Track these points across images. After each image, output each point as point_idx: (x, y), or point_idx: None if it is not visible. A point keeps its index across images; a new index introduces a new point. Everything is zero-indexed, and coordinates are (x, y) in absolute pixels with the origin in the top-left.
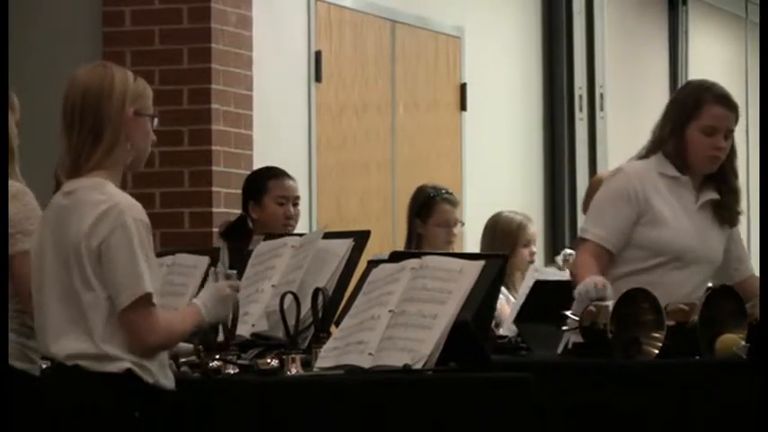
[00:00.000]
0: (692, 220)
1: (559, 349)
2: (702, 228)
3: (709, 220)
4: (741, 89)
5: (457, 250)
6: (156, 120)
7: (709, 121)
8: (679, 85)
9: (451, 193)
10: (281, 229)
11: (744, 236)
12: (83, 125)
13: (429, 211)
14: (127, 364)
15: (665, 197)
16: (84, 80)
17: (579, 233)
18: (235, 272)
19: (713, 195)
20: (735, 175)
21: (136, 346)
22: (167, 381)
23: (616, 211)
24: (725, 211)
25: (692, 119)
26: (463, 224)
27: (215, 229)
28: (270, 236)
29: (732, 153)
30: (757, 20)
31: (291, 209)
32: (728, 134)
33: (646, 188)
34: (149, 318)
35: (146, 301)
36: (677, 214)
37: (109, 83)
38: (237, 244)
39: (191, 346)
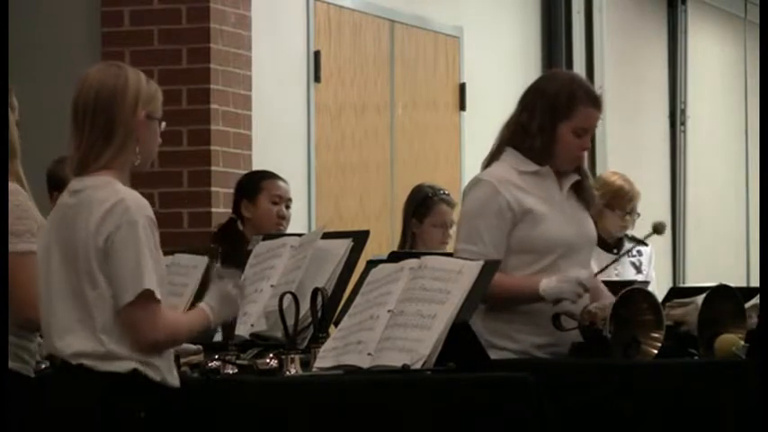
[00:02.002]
0: (564, 209)
1: None
2: (574, 213)
3: (576, 204)
4: (740, 89)
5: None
6: (163, 123)
7: (583, 122)
8: (678, 86)
9: (449, 194)
10: (274, 228)
11: (743, 235)
12: (94, 125)
13: (426, 210)
14: (133, 364)
15: (532, 194)
16: (97, 80)
17: (456, 253)
18: (237, 271)
19: (575, 178)
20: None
21: (137, 342)
22: (173, 379)
23: (488, 226)
24: (585, 193)
25: (565, 119)
26: None
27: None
28: (269, 236)
29: None
30: (756, 20)
31: (284, 210)
32: (592, 133)
33: (515, 194)
34: (151, 314)
35: (148, 297)
36: (550, 208)
37: (122, 84)
38: (229, 247)
39: (194, 346)
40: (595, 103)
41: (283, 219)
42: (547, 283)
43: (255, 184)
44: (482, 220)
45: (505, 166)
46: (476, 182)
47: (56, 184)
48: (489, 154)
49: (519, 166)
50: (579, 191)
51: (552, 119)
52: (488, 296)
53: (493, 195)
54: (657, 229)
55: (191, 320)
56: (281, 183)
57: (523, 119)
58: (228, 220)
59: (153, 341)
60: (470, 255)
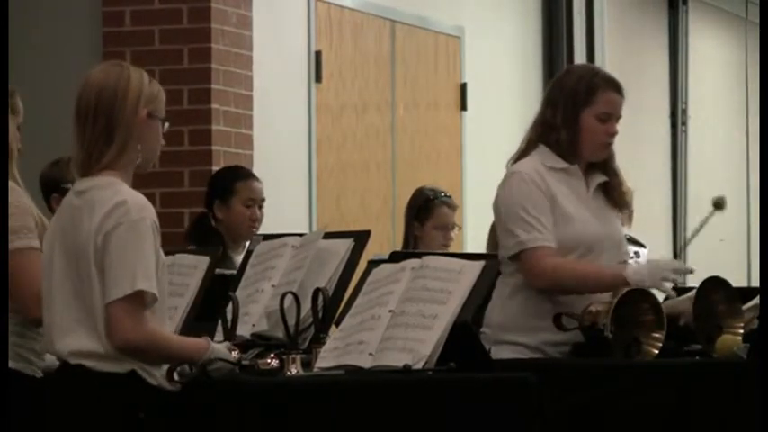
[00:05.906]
0: (591, 209)
1: None
2: (601, 214)
3: (603, 204)
4: (741, 89)
5: (457, 251)
6: (166, 123)
7: (605, 107)
8: (679, 86)
9: (450, 197)
10: (246, 231)
11: (744, 235)
12: (95, 125)
13: (427, 213)
14: (132, 365)
15: (561, 191)
16: (99, 79)
17: (515, 249)
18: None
19: (602, 179)
20: (613, 156)
21: (115, 338)
22: (170, 386)
23: (540, 210)
24: (615, 192)
25: (587, 106)
26: (460, 228)
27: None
28: (270, 236)
29: None
30: (757, 20)
31: (257, 211)
32: (618, 120)
33: (547, 183)
34: (134, 316)
35: (140, 298)
36: (576, 206)
37: (124, 84)
38: (203, 242)
39: None
40: (615, 87)
41: (256, 221)
42: (634, 270)
43: (229, 186)
44: (531, 206)
45: (534, 160)
46: (509, 176)
47: (50, 187)
48: (517, 152)
49: (547, 161)
50: (607, 191)
51: (574, 108)
52: (552, 281)
53: (530, 182)
54: (718, 204)
55: (183, 341)
56: (255, 184)
57: (548, 115)
58: (201, 216)
59: (134, 342)
60: (535, 243)
